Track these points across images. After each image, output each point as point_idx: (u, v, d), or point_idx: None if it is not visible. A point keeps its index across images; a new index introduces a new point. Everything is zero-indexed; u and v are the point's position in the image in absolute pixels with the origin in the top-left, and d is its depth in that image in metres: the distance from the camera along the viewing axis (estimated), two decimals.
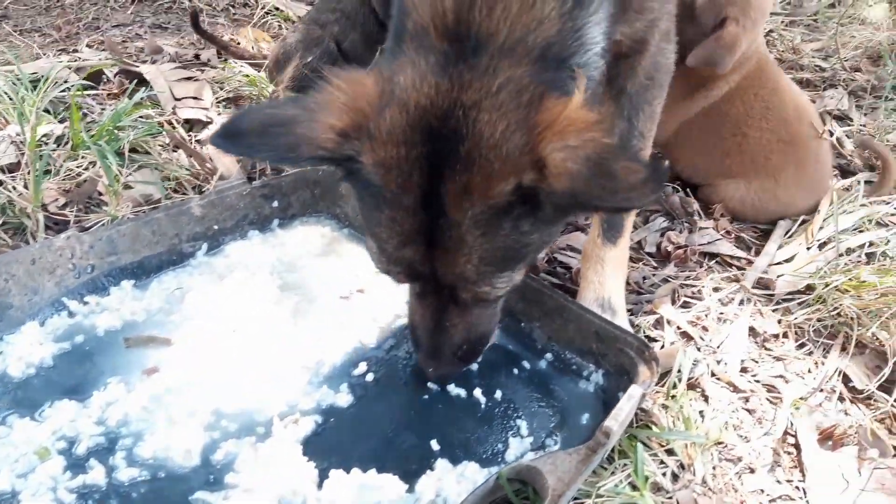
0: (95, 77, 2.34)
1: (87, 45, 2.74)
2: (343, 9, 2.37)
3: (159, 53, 2.66)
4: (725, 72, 2.03)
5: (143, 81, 2.39)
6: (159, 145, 2.05)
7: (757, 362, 1.65)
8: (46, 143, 1.86)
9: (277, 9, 3.13)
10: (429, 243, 1.08)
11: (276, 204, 1.84)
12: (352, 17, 2.36)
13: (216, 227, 1.74)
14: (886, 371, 1.58)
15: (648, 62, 1.59)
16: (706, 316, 1.72)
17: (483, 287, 1.15)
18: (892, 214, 2.09)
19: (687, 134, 2.16)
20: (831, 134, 2.50)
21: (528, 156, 0.99)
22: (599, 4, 1.13)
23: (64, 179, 1.79)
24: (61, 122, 2.03)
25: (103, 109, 2.15)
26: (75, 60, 2.59)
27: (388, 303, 1.61)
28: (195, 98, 2.29)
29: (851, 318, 1.74)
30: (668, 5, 1.57)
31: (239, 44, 2.78)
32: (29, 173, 1.65)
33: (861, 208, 2.02)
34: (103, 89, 2.28)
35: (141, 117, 2.05)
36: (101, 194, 1.76)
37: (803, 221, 2.08)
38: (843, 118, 2.69)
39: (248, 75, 2.46)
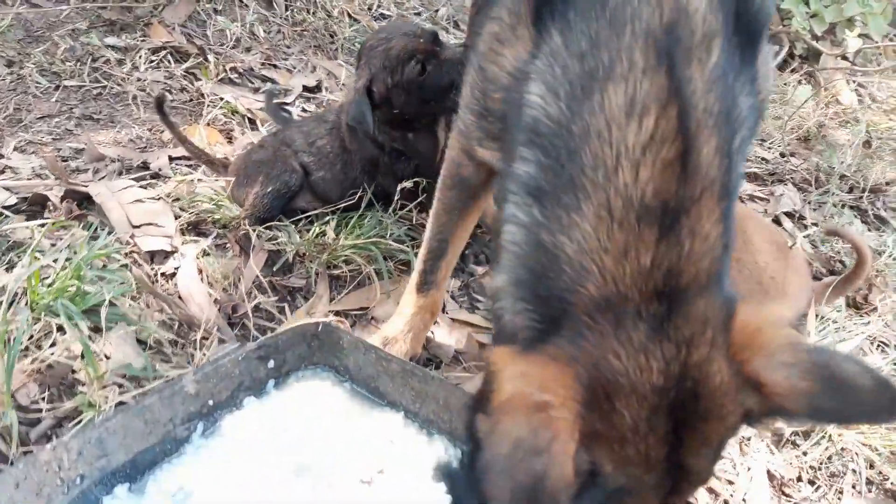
0: (38, 199, 2.10)
1: (15, 149, 2.46)
2: (321, 147, 2.25)
3: (101, 161, 2.42)
4: None
5: (90, 199, 2.17)
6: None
7: None
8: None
9: (222, 98, 2.94)
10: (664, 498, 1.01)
11: (271, 364, 1.68)
12: (329, 157, 2.24)
13: (211, 402, 1.57)
14: None
15: None
16: (732, 466, 1.71)
17: None
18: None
19: None
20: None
21: (741, 379, 0.96)
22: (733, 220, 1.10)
23: (24, 352, 1.56)
24: (7, 268, 1.79)
25: (53, 245, 1.92)
26: (3, 171, 2.32)
27: (413, 486, 1.50)
28: (155, 225, 2.09)
29: (856, 454, 1.78)
30: None
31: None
32: None
33: (853, 335, 2.08)
34: (48, 216, 2.04)
35: (104, 262, 1.84)
36: (74, 371, 1.55)
37: None
38: (796, 216, 2.79)
39: (210, 191, 2.28)
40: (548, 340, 0.99)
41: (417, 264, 1.78)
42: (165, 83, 3.10)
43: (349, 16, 3.98)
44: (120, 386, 1.55)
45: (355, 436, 1.61)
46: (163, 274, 1.99)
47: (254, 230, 2.06)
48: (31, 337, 1.60)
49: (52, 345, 1.59)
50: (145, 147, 2.64)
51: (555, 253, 1.02)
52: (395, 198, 2.15)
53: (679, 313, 0.95)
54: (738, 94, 1.07)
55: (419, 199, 2.12)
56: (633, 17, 1.04)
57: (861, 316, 2.23)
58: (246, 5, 3.76)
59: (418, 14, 4.25)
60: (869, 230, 2.73)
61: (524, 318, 1.07)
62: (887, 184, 2.92)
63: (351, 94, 2.24)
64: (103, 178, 2.34)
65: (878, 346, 2.12)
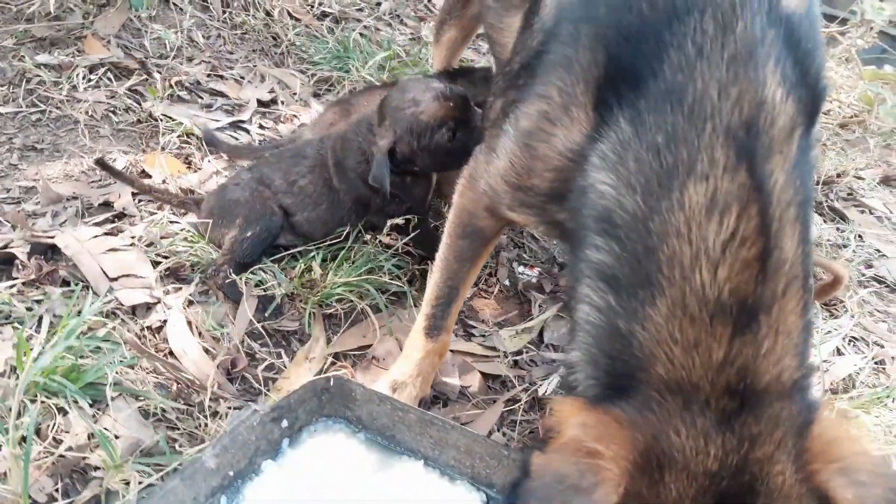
0: (3, 256, 1.96)
1: None
2: (303, 187, 2.16)
3: (58, 203, 2.28)
4: None
5: (56, 248, 2.04)
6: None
7: None
8: None
9: (181, 124, 2.79)
10: None
11: (284, 423, 1.65)
12: (313, 197, 2.15)
13: (231, 472, 1.53)
14: None
15: None
16: None
17: None
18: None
19: None
20: None
21: (807, 487, 0.96)
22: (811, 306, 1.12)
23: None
24: None
25: (30, 309, 1.80)
26: None
27: None
28: (134, 276, 1.98)
29: None
30: None
31: (150, 176, 2.46)
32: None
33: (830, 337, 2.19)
34: (17, 276, 1.91)
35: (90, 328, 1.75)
36: (85, 458, 1.47)
37: None
38: None
39: (183, 232, 2.18)
40: (616, 403, 1.02)
41: (424, 307, 1.75)
42: (108, 104, 2.93)
43: (290, 15, 3.84)
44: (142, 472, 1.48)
45: (377, 488, 1.60)
46: (149, 328, 1.90)
47: (241, 278, 1.98)
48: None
49: (55, 428, 1.51)
50: (100, 180, 2.49)
51: (629, 340, 1.04)
52: (385, 230, 2.11)
53: (752, 412, 0.97)
54: (808, 176, 1.09)
55: (411, 236, 2.08)
56: (714, 112, 1.04)
57: (830, 311, 2.34)
58: (181, 9, 3.57)
59: (360, 10, 4.14)
60: (825, 222, 2.85)
61: (595, 390, 1.10)
62: (838, 175, 3.06)
63: (351, 143, 2.15)
64: (65, 222, 2.20)
65: (850, 341, 2.23)
